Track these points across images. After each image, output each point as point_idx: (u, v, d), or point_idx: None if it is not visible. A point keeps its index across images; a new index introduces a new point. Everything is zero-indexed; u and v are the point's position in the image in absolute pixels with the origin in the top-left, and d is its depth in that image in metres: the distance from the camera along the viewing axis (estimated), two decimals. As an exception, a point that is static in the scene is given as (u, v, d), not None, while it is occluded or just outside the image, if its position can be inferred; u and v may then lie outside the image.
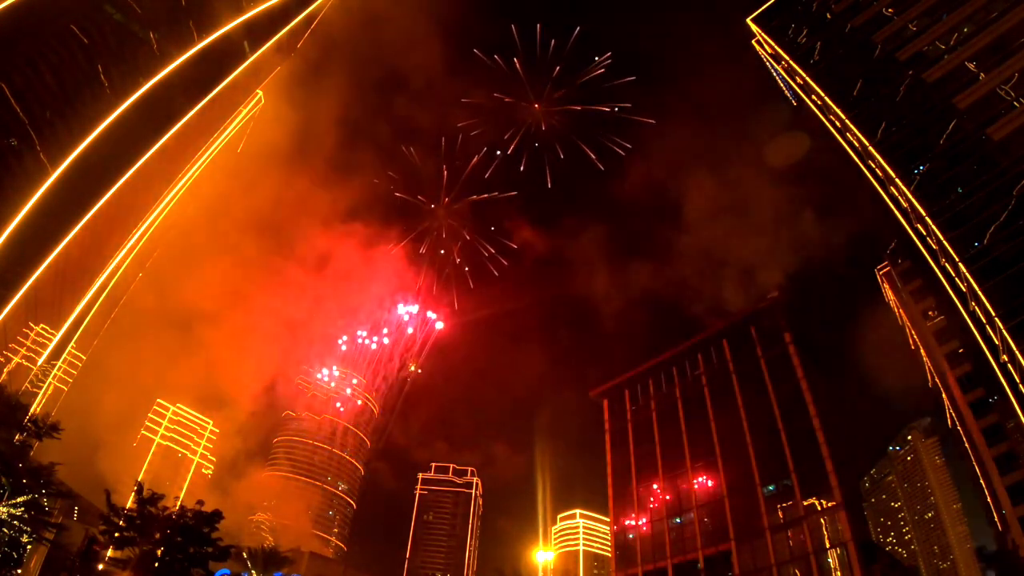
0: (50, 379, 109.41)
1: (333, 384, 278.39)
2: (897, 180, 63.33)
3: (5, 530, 41.65)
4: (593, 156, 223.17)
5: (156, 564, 47.40)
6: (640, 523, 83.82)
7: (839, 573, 63.35)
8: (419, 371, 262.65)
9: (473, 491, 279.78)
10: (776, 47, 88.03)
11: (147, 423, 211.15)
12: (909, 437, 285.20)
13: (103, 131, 68.51)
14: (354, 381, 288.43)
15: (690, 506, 78.66)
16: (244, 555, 63.28)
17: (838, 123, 74.94)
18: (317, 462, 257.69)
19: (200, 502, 51.79)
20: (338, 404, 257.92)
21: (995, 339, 53.63)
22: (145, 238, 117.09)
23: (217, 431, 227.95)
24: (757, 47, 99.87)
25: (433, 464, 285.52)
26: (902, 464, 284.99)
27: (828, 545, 65.29)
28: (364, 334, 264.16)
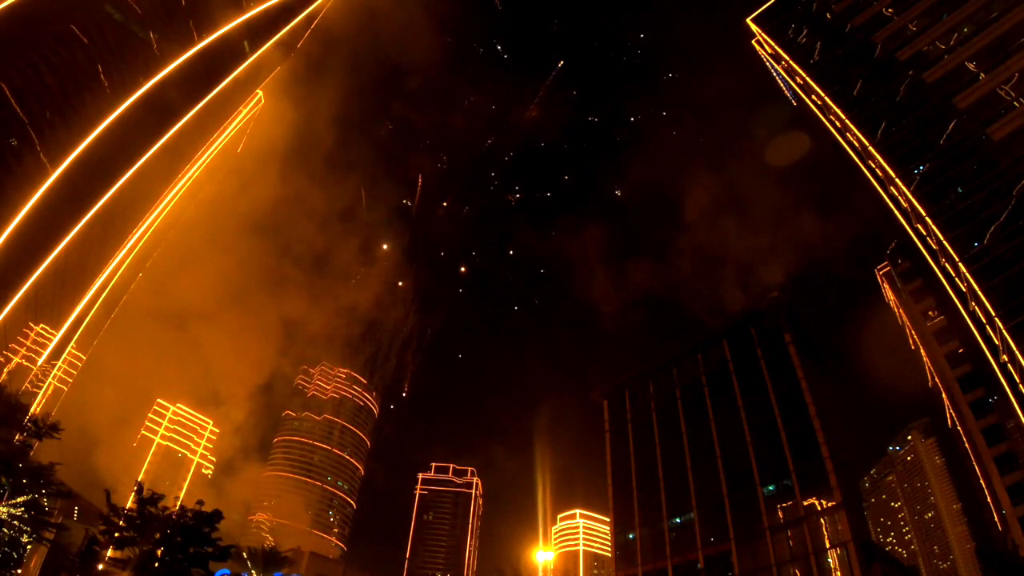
0: (50, 379, 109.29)
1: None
2: (897, 180, 63.32)
3: (5, 530, 41.62)
4: (620, 194, 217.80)
5: (156, 564, 47.35)
6: (640, 523, 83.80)
7: (839, 573, 63.32)
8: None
9: (473, 491, 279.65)
10: (776, 47, 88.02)
11: (147, 423, 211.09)
12: (909, 437, 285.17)
13: (103, 131, 68.45)
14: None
15: (690, 506, 78.61)
16: (244, 555, 63.20)
17: (838, 123, 74.92)
18: (317, 462, 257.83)
19: (200, 502, 51.70)
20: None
21: (995, 339, 53.63)
22: (145, 238, 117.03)
23: (217, 431, 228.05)
24: (757, 47, 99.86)
25: (433, 464, 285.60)
26: (902, 464, 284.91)
27: (828, 545, 65.26)
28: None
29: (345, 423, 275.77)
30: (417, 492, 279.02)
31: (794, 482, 69.89)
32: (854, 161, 73.02)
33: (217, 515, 50.23)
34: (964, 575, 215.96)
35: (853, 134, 70.57)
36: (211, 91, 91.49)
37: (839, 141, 76.21)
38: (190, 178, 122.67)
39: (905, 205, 64.10)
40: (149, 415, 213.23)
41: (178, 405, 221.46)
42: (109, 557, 53.79)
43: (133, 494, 50.13)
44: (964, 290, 57.13)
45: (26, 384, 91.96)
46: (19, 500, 41.88)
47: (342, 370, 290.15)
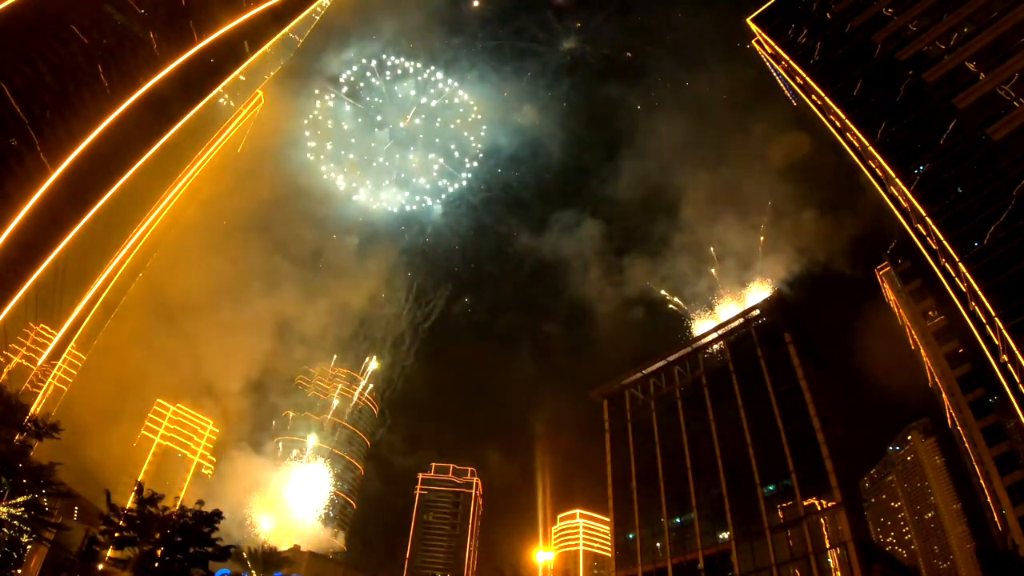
0: (50, 379, 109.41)
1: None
2: (897, 180, 63.28)
3: (5, 530, 41.66)
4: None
5: (156, 564, 47.40)
6: (640, 523, 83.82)
7: (839, 573, 63.36)
8: None
9: (473, 491, 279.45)
10: (776, 47, 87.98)
11: (147, 423, 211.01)
12: (909, 437, 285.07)
13: (103, 131, 68.44)
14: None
15: (690, 506, 78.64)
16: (244, 555, 63.28)
17: (838, 123, 74.90)
18: (316, 462, 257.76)
19: (200, 502, 51.77)
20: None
21: (995, 339, 53.62)
22: (145, 238, 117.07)
23: (217, 431, 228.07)
24: (757, 47, 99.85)
25: (433, 464, 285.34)
26: (902, 464, 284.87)
27: (828, 545, 65.30)
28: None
29: (345, 423, 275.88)
30: (417, 492, 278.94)
31: (794, 482, 69.92)
32: (854, 161, 73.03)
33: (217, 515, 50.36)
34: (964, 575, 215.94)
35: (853, 134, 70.53)
36: (211, 91, 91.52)
37: (839, 141, 76.20)
38: (190, 178, 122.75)
39: (905, 205, 64.07)
40: (149, 415, 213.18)
41: (178, 405, 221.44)
42: (109, 557, 53.90)
43: (133, 494, 50.21)
44: (964, 290, 57.11)
45: (26, 384, 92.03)
46: (19, 500, 41.91)
47: (342, 370, 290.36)
